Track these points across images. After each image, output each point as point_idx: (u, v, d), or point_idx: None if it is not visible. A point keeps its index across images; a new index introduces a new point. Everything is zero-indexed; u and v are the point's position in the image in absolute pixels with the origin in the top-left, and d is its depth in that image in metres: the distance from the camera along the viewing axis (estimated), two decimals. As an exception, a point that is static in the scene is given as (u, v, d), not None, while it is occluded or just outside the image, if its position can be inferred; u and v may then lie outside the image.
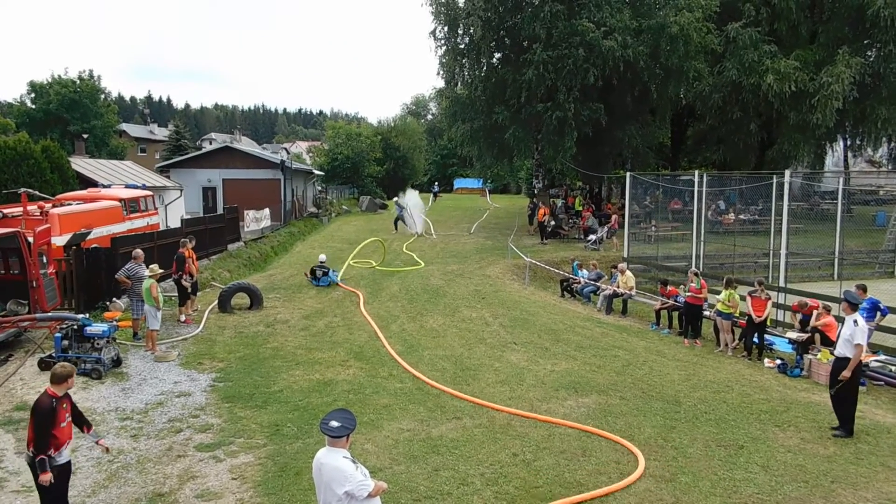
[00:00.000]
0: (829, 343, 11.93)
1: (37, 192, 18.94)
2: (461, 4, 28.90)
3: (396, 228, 31.72)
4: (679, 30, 25.44)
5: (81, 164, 28.58)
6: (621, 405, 9.76)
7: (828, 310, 12.71)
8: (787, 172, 17.21)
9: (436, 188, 62.93)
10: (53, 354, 10.71)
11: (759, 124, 29.51)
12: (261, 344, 12.97)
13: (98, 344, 10.82)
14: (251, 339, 13.37)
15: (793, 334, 13.12)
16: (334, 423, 4.62)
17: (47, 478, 5.65)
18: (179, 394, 10.06)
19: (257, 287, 16.55)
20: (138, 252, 13.23)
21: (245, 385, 10.51)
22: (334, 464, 4.57)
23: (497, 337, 13.72)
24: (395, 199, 33.92)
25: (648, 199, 27.65)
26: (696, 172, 20.54)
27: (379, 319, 14.94)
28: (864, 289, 12.72)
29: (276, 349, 12.62)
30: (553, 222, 28.66)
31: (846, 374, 8.86)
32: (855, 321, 8.98)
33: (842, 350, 9.09)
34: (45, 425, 5.62)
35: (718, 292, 14.05)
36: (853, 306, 9.23)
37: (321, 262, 19.52)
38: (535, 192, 33.05)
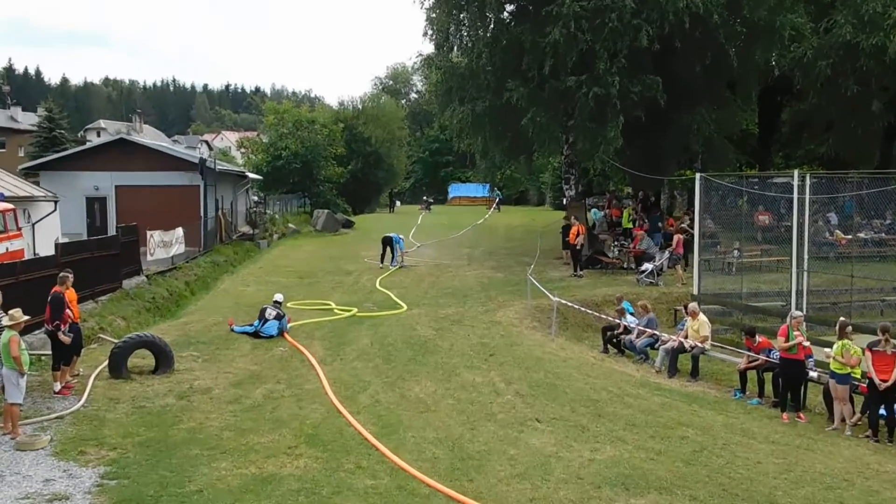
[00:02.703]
0: None
1: None
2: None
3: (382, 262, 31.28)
4: (769, -32, 25.76)
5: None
6: (692, 509, 9.77)
7: None
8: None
9: (429, 200, 63.79)
10: None
11: (885, 103, 29.72)
12: (171, 424, 12.93)
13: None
14: (157, 416, 13.33)
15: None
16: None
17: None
18: (51, 497, 10.01)
19: (165, 342, 16.53)
20: None
21: (148, 484, 10.46)
22: None
23: (512, 411, 13.73)
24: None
25: (713, 223, 26.78)
26: (796, 172, 20.72)
27: (342, 387, 14.94)
28: None
29: (194, 431, 12.59)
30: (594, 247, 28.81)
31: None
32: None
33: None
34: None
35: (829, 344, 14.12)
36: None
37: (276, 302, 19.83)
38: (566, 202, 33.21)
